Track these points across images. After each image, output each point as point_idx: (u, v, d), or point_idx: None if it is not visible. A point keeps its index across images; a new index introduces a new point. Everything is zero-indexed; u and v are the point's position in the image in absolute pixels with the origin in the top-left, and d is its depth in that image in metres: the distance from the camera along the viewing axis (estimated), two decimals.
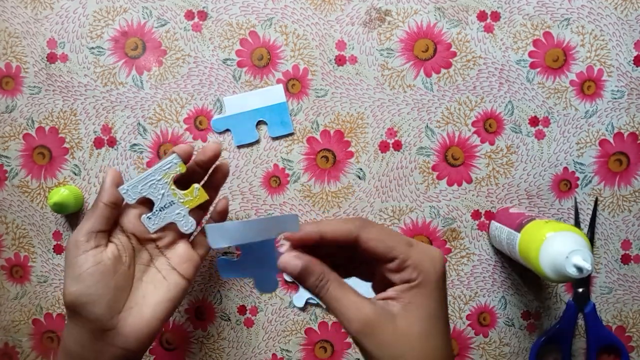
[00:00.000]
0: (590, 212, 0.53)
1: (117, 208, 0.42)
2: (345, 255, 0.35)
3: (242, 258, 0.38)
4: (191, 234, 0.45)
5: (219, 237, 0.33)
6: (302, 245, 0.34)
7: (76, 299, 0.39)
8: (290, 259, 0.33)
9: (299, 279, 0.34)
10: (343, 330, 0.33)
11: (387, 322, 0.32)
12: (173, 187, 0.42)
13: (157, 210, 0.42)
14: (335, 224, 0.34)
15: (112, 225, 0.42)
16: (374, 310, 0.32)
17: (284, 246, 0.34)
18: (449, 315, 0.54)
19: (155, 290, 0.43)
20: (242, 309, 0.54)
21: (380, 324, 0.31)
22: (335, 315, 0.33)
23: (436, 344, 0.32)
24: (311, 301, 0.53)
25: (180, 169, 0.42)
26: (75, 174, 0.54)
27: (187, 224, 0.43)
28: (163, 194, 0.42)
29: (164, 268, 0.44)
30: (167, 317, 0.42)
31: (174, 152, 0.42)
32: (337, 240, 0.34)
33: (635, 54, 0.52)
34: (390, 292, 0.33)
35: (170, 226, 0.44)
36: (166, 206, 0.42)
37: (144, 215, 0.42)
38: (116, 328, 0.40)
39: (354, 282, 0.36)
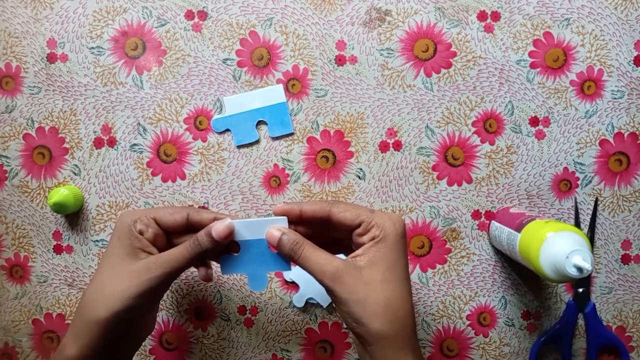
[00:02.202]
0: (590, 212, 0.53)
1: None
2: (325, 239, 0.42)
3: (239, 255, 0.42)
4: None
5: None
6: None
7: None
8: (272, 231, 0.40)
9: (279, 247, 0.40)
10: (318, 281, 0.39)
11: (354, 272, 0.37)
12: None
13: (242, 258, 0.42)
14: (312, 202, 0.42)
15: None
16: (343, 263, 0.38)
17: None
18: (450, 315, 0.54)
19: None
20: (242, 309, 0.54)
21: (348, 273, 0.37)
22: (310, 272, 0.38)
23: (395, 288, 0.38)
24: (311, 301, 0.53)
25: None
26: (75, 174, 0.54)
27: (262, 284, 0.43)
28: (252, 246, 0.42)
29: None
30: None
31: (286, 217, 0.41)
32: (314, 216, 0.41)
33: (635, 54, 0.52)
34: (358, 251, 0.39)
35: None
36: (250, 258, 0.42)
37: (222, 255, 0.42)
38: None
39: None
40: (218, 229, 0.40)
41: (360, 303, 0.37)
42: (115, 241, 0.41)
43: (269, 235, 0.40)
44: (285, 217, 0.41)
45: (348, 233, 0.40)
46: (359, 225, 0.39)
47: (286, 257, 0.40)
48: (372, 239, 0.38)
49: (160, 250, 0.42)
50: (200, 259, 0.41)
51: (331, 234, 0.43)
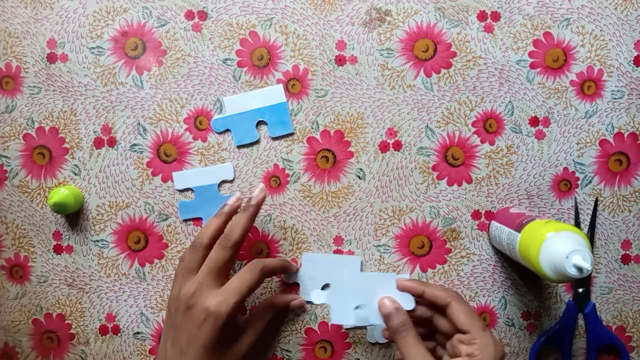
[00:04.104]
0: (590, 212, 0.53)
1: None
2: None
3: (195, 201, 0.49)
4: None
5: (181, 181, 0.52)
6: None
7: None
8: (387, 301, 0.44)
9: (386, 318, 0.44)
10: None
11: None
12: None
13: (197, 203, 0.53)
14: (435, 287, 0.44)
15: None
16: None
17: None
18: None
19: None
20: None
21: None
22: (404, 357, 0.41)
23: None
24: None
25: None
26: (75, 174, 0.54)
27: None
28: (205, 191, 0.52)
29: None
30: None
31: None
32: (433, 300, 0.43)
33: (635, 54, 0.52)
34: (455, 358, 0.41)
35: None
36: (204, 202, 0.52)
37: (181, 202, 0.52)
38: None
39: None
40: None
41: None
42: (213, 332, 0.43)
43: (382, 303, 0.44)
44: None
45: (448, 331, 0.43)
46: (464, 332, 0.41)
47: (389, 334, 0.44)
48: (469, 355, 0.40)
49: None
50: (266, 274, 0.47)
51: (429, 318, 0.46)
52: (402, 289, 0.45)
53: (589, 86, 0.52)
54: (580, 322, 0.53)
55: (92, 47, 0.53)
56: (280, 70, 0.53)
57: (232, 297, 0.43)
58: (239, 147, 0.53)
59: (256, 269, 0.45)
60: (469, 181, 0.53)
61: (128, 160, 0.54)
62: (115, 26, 0.53)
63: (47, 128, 0.54)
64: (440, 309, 0.44)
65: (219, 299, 0.42)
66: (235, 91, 0.53)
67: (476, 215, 0.53)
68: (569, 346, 0.53)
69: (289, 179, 0.53)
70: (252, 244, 0.54)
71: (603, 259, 0.53)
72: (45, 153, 0.54)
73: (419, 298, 0.45)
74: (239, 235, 0.45)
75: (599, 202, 0.53)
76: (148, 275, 0.54)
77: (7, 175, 0.54)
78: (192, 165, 0.53)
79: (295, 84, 0.53)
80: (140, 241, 0.54)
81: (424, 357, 0.40)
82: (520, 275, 0.53)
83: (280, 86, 0.53)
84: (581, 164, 0.53)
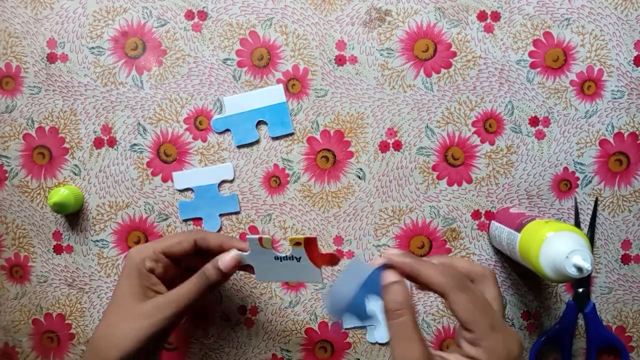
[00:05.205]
0: (590, 212, 0.53)
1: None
2: None
3: (195, 200, 0.52)
4: None
5: (181, 181, 0.53)
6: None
7: None
8: (392, 274, 0.35)
9: (386, 291, 0.35)
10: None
11: None
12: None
13: (197, 204, 0.53)
14: (433, 270, 0.35)
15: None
16: None
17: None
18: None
19: None
20: (242, 309, 0.54)
21: None
22: (391, 344, 0.34)
23: None
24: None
25: None
26: (75, 174, 0.54)
27: (216, 225, 0.52)
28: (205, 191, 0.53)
29: None
30: None
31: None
32: (427, 287, 0.35)
33: (635, 54, 0.52)
34: (452, 357, 0.34)
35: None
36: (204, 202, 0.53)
37: (181, 201, 0.52)
38: None
39: None
40: (225, 261, 0.41)
41: None
42: (125, 281, 0.42)
43: (386, 275, 0.35)
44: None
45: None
46: (469, 331, 0.34)
47: (384, 312, 0.35)
48: (471, 358, 0.33)
49: (172, 281, 0.43)
50: (209, 291, 0.42)
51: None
52: (392, 262, 0.36)
53: (589, 86, 0.52)
54: (580, 322, 0.53)
55: (92, 47, 0.53)
56: (280, 70, 0.53)
57: (149, 246, 0.43)
58: (239, 147, 0.53)
59: (187, 233, 0.45)
60: (469, 181, 0.53)
61: (128, 160, 0.54)
62: (115, 26, 0.53)
63: (47, 128, 0.54)
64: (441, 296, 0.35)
65: (137, 247, 0.44)
66: (235, 91, 0.53)
67: (476, 215, 0.53)
68: (569, 346, 0.53)
69: (289, 179, 0.53)
70: None
71: (603, 259, 0.53)
72: (45, 153, 0.54)
73: (413, 281, 0.36)
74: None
75: (599, 202, 0.53)
76: None
77: (7, 175, 0.54)
78: (192, 165, 0.53)
79: (295, 84, 0.53)
80: (140, 241, 0.54)
81: (409, 349, 0.33)
82: (520, 275, 0.53)
83: (280, 86, 0.53)
84: (581, 164, 0.53)
